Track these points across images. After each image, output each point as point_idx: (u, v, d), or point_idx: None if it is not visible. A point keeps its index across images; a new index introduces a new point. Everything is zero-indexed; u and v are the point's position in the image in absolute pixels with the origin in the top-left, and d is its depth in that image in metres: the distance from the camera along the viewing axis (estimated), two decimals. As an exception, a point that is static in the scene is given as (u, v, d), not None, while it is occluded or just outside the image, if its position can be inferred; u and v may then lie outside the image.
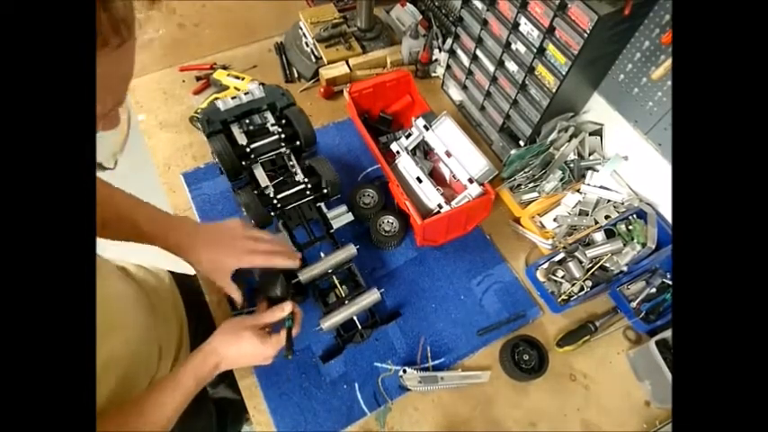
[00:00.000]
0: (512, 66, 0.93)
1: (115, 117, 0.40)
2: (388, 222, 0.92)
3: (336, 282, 0.82)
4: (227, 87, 1.14)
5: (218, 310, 0.86)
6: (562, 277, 0.90)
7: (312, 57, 1.19)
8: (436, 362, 0.83)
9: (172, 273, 0.90)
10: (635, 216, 0.93)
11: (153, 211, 0.71)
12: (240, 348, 0.67)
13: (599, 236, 0.92)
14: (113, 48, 0.32)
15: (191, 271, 0.90)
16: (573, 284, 0.88)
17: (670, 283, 0.87)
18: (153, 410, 0.58)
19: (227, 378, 0.83)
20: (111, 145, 0.46)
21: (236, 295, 0.74)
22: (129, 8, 0.32)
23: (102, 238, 0.66)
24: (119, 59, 0.34)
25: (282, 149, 0.90)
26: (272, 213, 0.86)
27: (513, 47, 0.90)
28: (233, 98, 0.89)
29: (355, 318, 0.81)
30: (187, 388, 0.62)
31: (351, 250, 0.83)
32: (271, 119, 0.91)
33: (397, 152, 0.98)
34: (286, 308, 0.71)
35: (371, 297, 0.80)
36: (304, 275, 0.79)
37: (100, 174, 0.55)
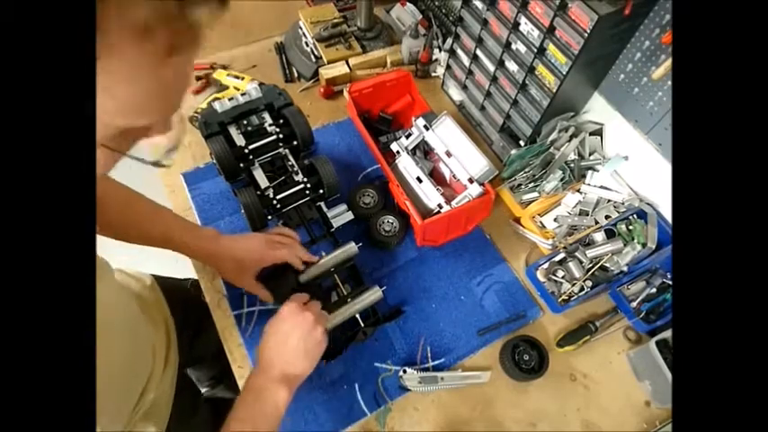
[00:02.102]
0: (512, 65, 0.93)
1: (168, 123, 0.40)
2: (389, 222, 0.92)
3: (338, 280, 0.82)
4: (226, 87, 1.14)
5: (217, 309, 0.86)
6: (562, 277, 0.90)
7: (312, 56, 1.19)
8: (436, 362, 0.83)
9: (155, 276, 0.90)
10: (635, 216, 0.93)
11: (181, 221, 0.75)
12: (284, 336, 0.65)
13: (599, 236, 0.92)
14: (181, 56, 0.31)
15: (179, 274, 0.90)
16: (573, 284, 0.88)
17: (670, 283, 0.87)
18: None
19: (226, 378, 0.83)
20: (166, 143, 0.45)
21: (262, 293, 0.77)
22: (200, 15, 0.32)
23: (134, 243, 0.70)
24: (183, 68, 0.34)
25: (280, 149, 0.90)
26: (269, 216, 0.86)
27: (514, 47, 0.90)
28: (230, 99, 0.89)
29: (358, 316, 0.81)
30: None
31: (352, 248, 0.83)
32: (268, 119, 0.91)
33: (397, 152, 0.97)
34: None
35: (374, 295, 0.80)
36: (305, 275, 0.79)
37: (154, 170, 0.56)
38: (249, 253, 0.74)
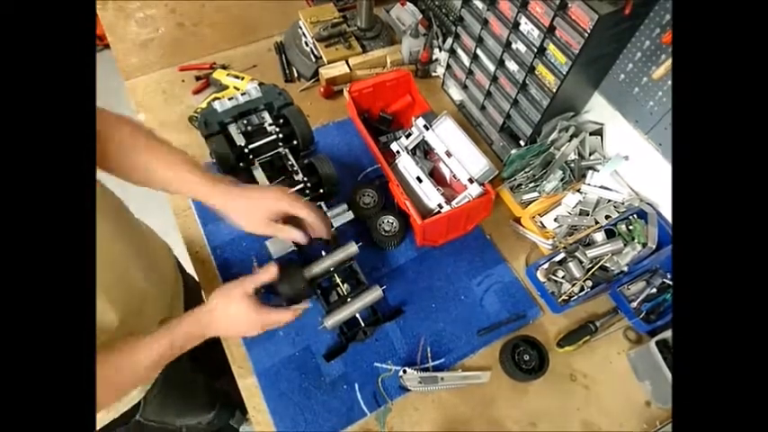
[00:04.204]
0: (512, 65, 0.93)
1: None
2: (389, 222, 0.92)
3: (338, 280, 0.82)
4: (226, 87, 1.14)
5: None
6: (562, 277, 0.89)
7: (312, 56, 1.19)
8: (436, 362, 0.83)
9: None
10: (635, 216, 0.93)
11: (199, 171, 0.68)
12: (228, 310, 0.65)
13: (599, 236, 0.91)
14: None
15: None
16: (573, 284, 0.88)
17: (670, 283, 0.87)
18: (127, 365, 0.58)
19: (226, 375, 0.83)
20: None
21: (285, 233, 0.70)
22: None
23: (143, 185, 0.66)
24: None
25: (280, 149, 0.90)
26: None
27: (514, 46, 0.90)
28: (230, 99, 0.89)
29: (358, 315, 0.80)
30: (170, 349, 0.61)
31: (352, 248, 0.83)
32: (268, 119, 0.91)
33: (397, 152, 0.97)
34: (272, 270, 0.69)
35: (374, 294, 0.80)
36: (308, 271, 0.79)
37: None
38: (263, 195, 0.69)
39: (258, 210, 0.68)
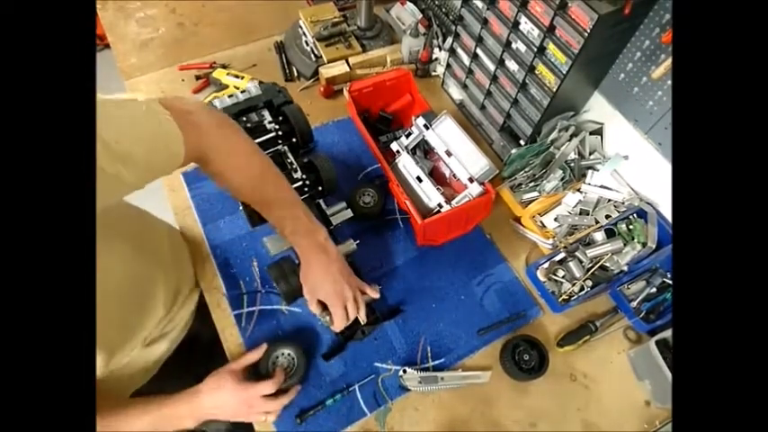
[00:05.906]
0: (512, 65, 0.93)
1: None
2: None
3: None
4: (226, 86, 1.14)
5: (217, 309, 0.86)
6: (562, 277, 0.89)
7: (312, 56, 1.19)
8: (436, 362, 0.83)
9: None
10: (635, 215, 0.93)
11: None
12: (217, 391, 0.69)
13: (599, 235, 0.91)
14: None
15: None
16: (573, 284, 0.88)
17: (670, 282, 0.87)
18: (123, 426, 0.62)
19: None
20: None
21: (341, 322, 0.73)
22: None
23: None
24: None
25: (279, 147, 0.90)
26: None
27: (514, 46, 0.90)
28: (230, 96, 0.89)
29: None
30: (160, 419, 0.65)
31: (351, 246, 0.83)
32: (268, 116, 0.91)
33: (397, 151, 0.97)
34: (261, 350, 0.77)
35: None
36: None
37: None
38: (321, 283, 0.71)
39: (326, 281, 0.70)
